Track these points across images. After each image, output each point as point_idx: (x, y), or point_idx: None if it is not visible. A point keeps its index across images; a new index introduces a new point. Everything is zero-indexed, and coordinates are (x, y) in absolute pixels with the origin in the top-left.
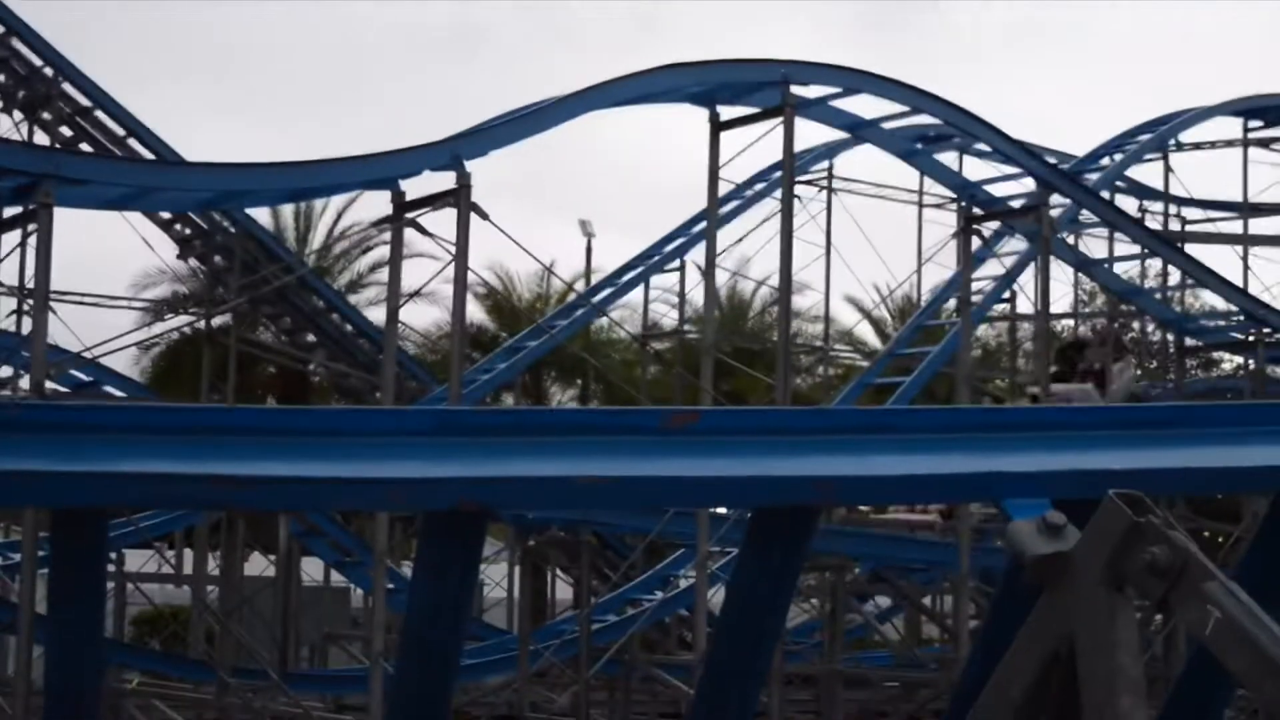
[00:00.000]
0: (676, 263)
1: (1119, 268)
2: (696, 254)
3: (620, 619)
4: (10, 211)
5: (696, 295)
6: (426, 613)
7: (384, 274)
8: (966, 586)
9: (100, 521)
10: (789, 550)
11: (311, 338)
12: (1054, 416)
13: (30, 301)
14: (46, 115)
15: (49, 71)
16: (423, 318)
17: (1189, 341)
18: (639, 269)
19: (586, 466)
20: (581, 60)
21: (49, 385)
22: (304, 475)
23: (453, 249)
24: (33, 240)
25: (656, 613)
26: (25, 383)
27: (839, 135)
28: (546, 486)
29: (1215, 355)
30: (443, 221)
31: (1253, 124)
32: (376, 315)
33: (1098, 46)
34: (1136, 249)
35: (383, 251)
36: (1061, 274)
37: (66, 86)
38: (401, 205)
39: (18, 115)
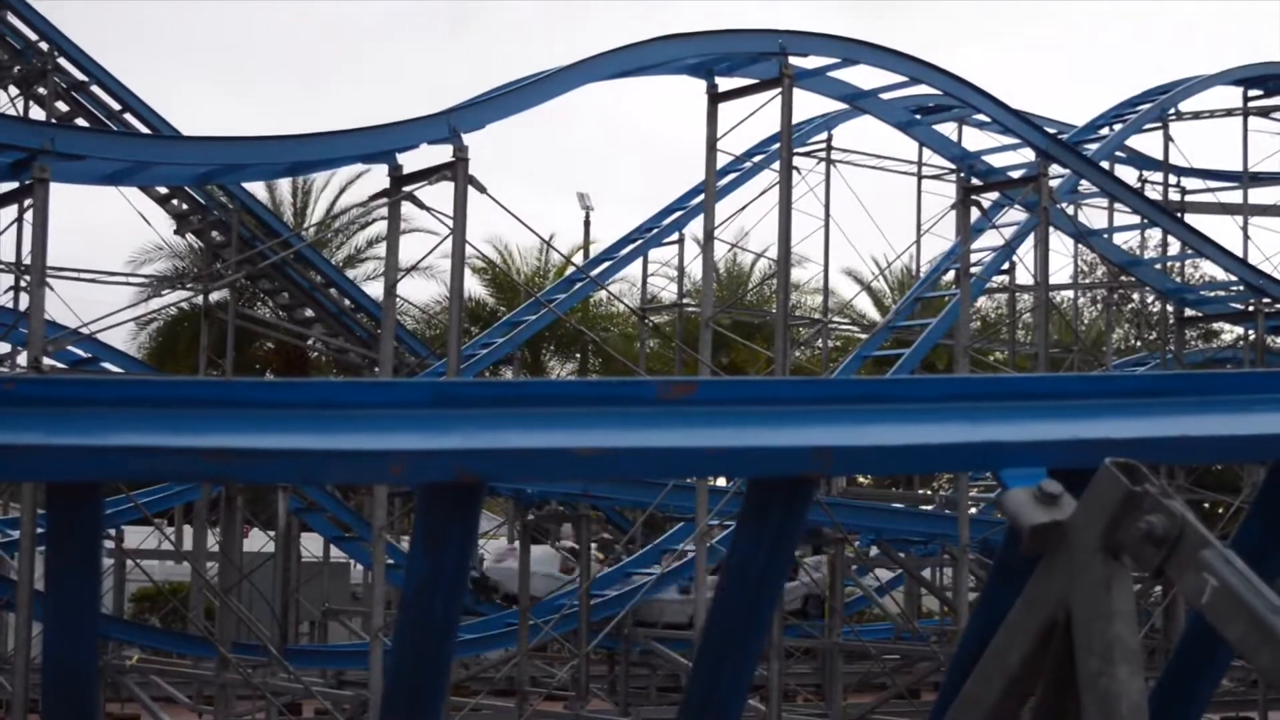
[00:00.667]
0: (675, 235)
1: (1119, 238)
2: (695, 227)
3: (620, 593)
4: (6, 187)
5: (695, 268)
6: (424, 586)
7: (382, 249)
8: (966, 559)
9: (96, 496)
10: (787, 521)
11: (309, 313)
12: (1052, 385)
13: (27, 277)
14: (42, 90)
15: (44, 46)
16: (421, 292)
17: (1189, 312)
18: (637, 242)
19: (585, 438)
20: (585, 30)
21: (46, 361)
22: (300, 448)
23: (449, 222)
24: (29, 216)
25: (656, 587)
26: (23, 359)
27: (838, 106)
28: (545, 457)
29: (1215, 326)
30: (441, 195)
31: (1253, 93)
32: (375, 290)
33: (1098, 14)
34: (1136, 219)
35: (381, 226)
36: (1061, 245)
37: (62, 61)
38: (399, 179)
39: (13, 90)
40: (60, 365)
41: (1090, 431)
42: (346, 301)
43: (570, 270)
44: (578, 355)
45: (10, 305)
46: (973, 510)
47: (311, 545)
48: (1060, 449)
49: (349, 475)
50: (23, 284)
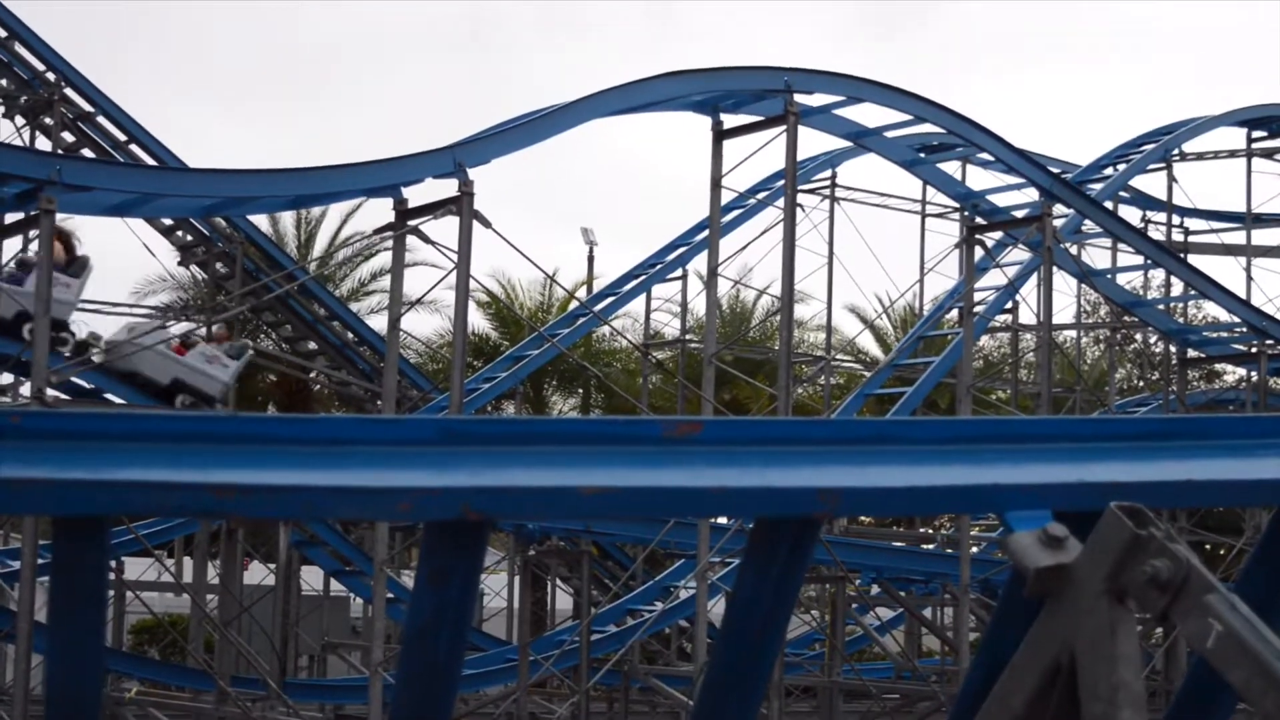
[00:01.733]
0: (678, 271)
1: (1122, 278)
2: (698, 263)
3: (620, 629)
4: (12, 217)
5: (698, 304)
6: (428, 623)
7: (386, 281)
8: (968, 598)
9: (101, 530)
10: (791, 561)
11: (313, 345)
12: (1056, 428)
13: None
14: (48, 120)
15: (51, 76)
16: (425, 326)
17: (1191, 353)
18: (641, 278)
19: (590, 476)
20: (593, 59)
21: (50, 392)
22: (306, 484)
23: (454, 256)
24: (34, 246)
25: (657, 623)
26: (26, 389)
27: (842, 144)
28: (551, 496)
29: (1218, 367)
30: (445, 228)
31: (1256, 134)
32: (378, 323)
33: (1100, 53)
34: (1140, 259)
35: (385, 259)
36: (1064, 284)
37: (69, 91)
38: (404, 212)
39: (20, 120)
40: (64, 396)
41: (1095, 475)
42: (350, 334)
43: (573, 305)
44: (580, 390)
45: None
46: (974, 549)
47: (311, 579)
48: (1065, 492)
49: (357, 512)
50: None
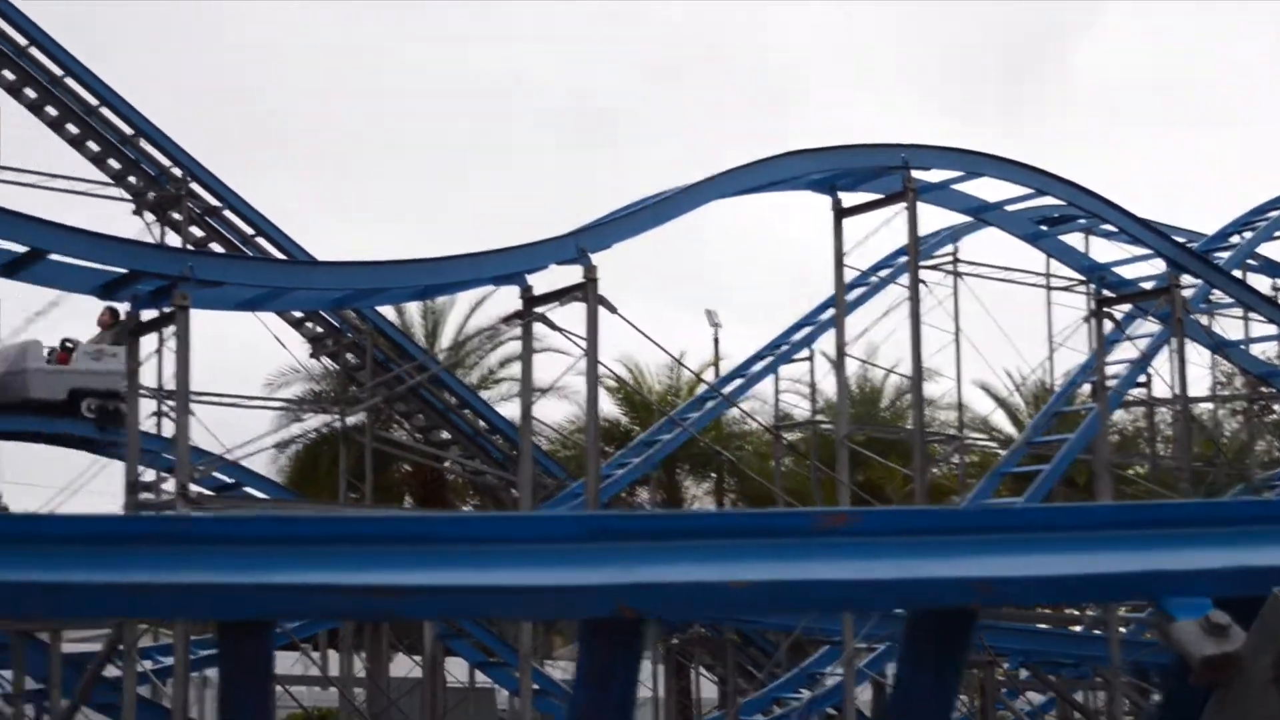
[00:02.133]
0: (805, 352)
1: (1256, 348)
2: (824, 342)
3: (767, 719)
4: (148, 314)
5: (827, 384)
6: None
7: (514, 368)
8: (1120, 682)
9: (267, 632)
10: (950, 651)
11: (445, 435)
12: (1214, 511)
13: (168, 403)
14: (176, 215)
15: (177, 172)
16: (554, 412)
17: None
18: (768, 359)
19: (741, 570)
20: (708, 140)
21: (192, 488)
22: (461, 584)
23: (582, 342)
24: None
25: (804, 711)
26: (169, 485)
27: (962, 219)
28: (703, 592)
29: None
30: (569, 314)
31: None
32: (508, 410)
33: (1222, 116)
34: (1273, 329)
35: (511, 346)
36: (1198, 356)
37: (195, 186)
38: (530, 300)
39: (149, 216)
40: (207, 491)
41: (1255, 559)
42: (481, 423)
43: (701, 388)
44: (713, 474)
45: (153, 431)
46: (1121, 630)
47: (456, 670)
48: (1226, 577)
49: (511, 611)
50: (165, 409)
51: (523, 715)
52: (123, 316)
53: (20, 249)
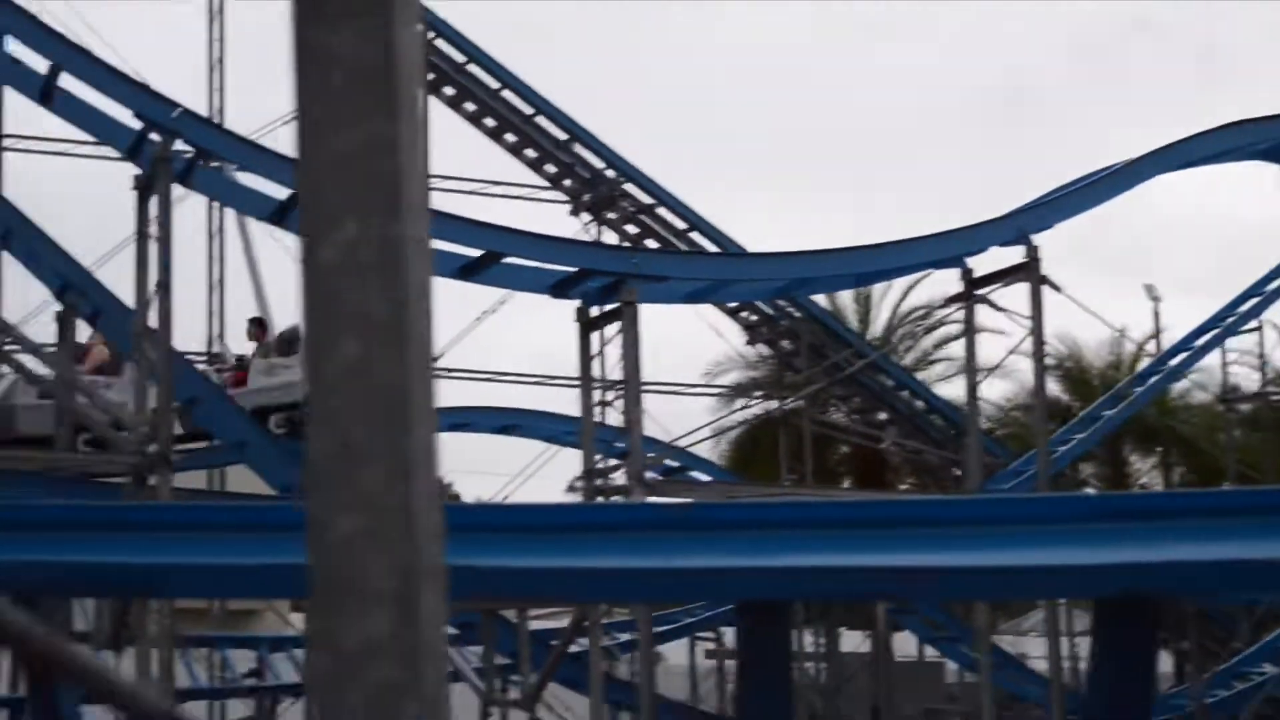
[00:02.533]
0: (1254, 323)
1: None
2: (1274, 312)
3: (1229, 694)
4: (595, 310)
5: (1278, 355)
6: (1108, 703)
7: (950, 350)
8: None
9: (784, 612)
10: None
11: (883, 416)
12: None
13: (610, 393)
14: (611, 215)
15: (611, 173)
16: (991, 391)
17: None
18: (1213, 331)
19: (1254, 548)
20: (1135, 117)
21: (647, 474)
22: (972, 565)
23: (1025, 322)
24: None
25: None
26: (621, 475)
27: None
28: (1219, 570)
29: None
30: (1007, 295)
31: None
32: (945, 391)
33: None
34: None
35: (947, 328)
36: None
37: (629, 187)
38: (971, 282)
39: (585, 216)
40: (658, 477)
41: None
42: (919, 403)
43: (1145, 362)
44: (1159, 449)
45: (598, 420)
46: None
47: (905, 645)
48: None
49: (1018, 592)
50: (609, 398)
51: (981, 689)
52: (269, 327)
53: (476, 253)
